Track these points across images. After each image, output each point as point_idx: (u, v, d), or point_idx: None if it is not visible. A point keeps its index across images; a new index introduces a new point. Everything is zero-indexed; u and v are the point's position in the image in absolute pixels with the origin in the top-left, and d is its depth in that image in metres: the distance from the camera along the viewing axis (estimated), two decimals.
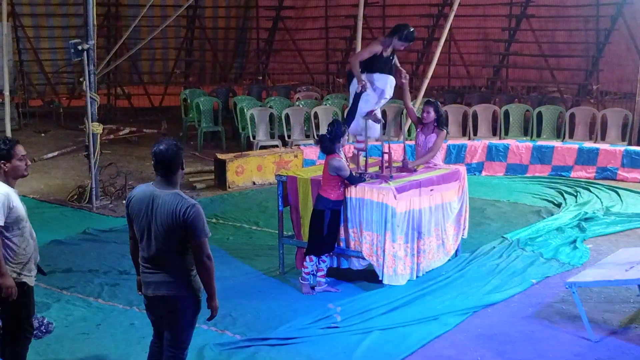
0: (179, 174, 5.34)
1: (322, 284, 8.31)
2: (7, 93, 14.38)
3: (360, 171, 8.70)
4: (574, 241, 9.82)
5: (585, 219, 10.86)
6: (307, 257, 8.26)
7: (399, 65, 9.22)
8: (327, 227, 8.13)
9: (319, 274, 8.30)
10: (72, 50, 11.30)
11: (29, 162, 5.86)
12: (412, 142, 13.90)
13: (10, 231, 5.57)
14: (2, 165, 5.64)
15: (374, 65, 8.93)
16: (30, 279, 5.71)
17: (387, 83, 9.02)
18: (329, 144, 8.15)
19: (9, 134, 14.11)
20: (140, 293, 5.58)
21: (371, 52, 8.90)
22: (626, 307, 7.73)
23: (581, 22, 18.24)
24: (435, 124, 9.30)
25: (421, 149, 9.42)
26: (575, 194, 12.46)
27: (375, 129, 9.17)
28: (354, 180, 8.21)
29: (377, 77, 8.98)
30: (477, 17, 19.31)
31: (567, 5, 18.17)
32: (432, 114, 9.27)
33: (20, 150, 5.70)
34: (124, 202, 5.39)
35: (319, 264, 8.27)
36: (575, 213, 11.16)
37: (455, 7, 14.57)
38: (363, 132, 8.96)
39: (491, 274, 8.77)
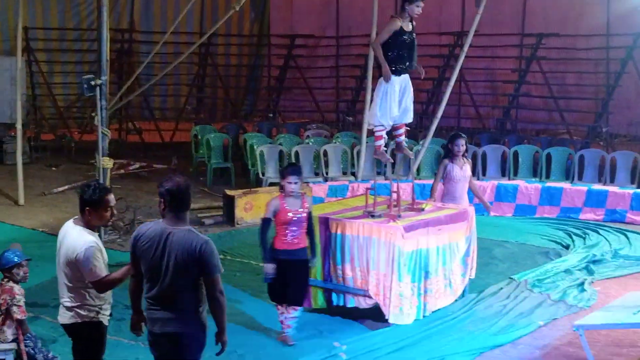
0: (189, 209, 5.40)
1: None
2: (19, 127, 14.50)
3: (369, 209, 8.73)
4: (582, 283, 9.79)
5: (594, 262, 10.83)
6: (292, 309, 7.96)
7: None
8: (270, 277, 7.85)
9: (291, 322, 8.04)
10: (85, 86, 11.37)
11: (115, 212, 5.84)
12: (421, 182, 13.98)
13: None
14: (87, 211, 5.64)
15: (398, 44, 8.62)
16: (105, 318, 5.80)
17: (406, 88, 8.88)
18: (280, 184, 8.01)
19: (20, 167, 14.22)
20: (134, 332, 5.62)
21: (391, 31, 8.59)
22: (634, 350, 7.68)
23: (591, 64, 18.33)
24: (465, 155, 10.11)
25: (458, 181, 10.01)
26: (584, 236, 12.42)
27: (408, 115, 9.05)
28: (264, 251, 7.85)
29: (393, 78, 8.68)
30: (487, 59, 19.43)
31: (577, 48, 18.26)
32: (465, 146, 10.05)
33: (110, 199, 5.69)
34: (131, 237, 5.43)
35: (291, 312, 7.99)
36: (583, 255, 11.13)
37: (466, 48, 14.66)
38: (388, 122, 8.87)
39: (498, 315, 8.74)
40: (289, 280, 7.81)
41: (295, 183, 7.77)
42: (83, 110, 21.10)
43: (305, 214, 7.86)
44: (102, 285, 5.61)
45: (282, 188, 7.91)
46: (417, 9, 8.66)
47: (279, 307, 7.98)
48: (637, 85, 17.11)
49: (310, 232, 8.04)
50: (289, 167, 8.09)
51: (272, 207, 7.79)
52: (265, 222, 7.83)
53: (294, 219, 7.76)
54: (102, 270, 5.60)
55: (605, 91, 17.70)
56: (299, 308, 8.00)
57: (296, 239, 7.82)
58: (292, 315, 7.95)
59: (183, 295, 5.29)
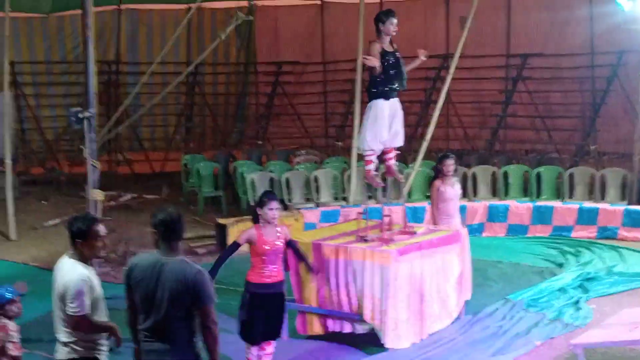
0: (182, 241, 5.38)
1: None
2: (8, 161, 14.47)
3: (361, 234, 8.71)
4: (577, 302, 9.80)
5: (588, 279, 10.84)
6: (266, 344, 7.60)
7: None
8: (244, 314, 7.53)
9: None
10: (73, 119, 11.34)
11: (107, 243, 5.77)
12: (413, 204, 13.99)
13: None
14: (77, 243, 5.59)
15: (384, 66, 8.64)
16: (103, 354, 5.73)
17: (396, 112, 8.89)
18: (252, 213, 7.68)
19: (10, 202, 14.17)
20: None
21: (376, 56, 8.60)
22: None
23: (577, 83, 18.45)
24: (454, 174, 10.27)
25: (451, 199, 10.14)
26: (577, 254, 12.44)
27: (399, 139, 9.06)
28: (215, 266, 7.50)
29: (382, 103, 8.77)
30: (474, 80, 19.52)
31: (562, 67, 18.40)
32: (455, 165, 10.24)
33: (99, 229, 5.62)
34: (125, 268, 5.42)
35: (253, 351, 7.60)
36: (577, 273, 11.14)
37: (452, 70, 14.73)
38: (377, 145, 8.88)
39: (495, 335, 8.72)
40: (267, 314, 7.50)
41: (278, 209, 7.53)
42: (72, 142, 21.05)
43: (282, 244, 7.55)
44: (78, 323, 5.51)
45: (256, 218, 7.54)
46: (392, 26, 8.70)
47: (252, 348, 7.58)
48: (624, 102, 17.21)
49: (299, 256, 7.89)
50: (269, 193, 7.76)
51: (246, 236, 7.45)
52: (235, 245, 7.52)
53: (271, 250, 7.45)
54: (85, 308, 5.50)
55: (592, 109, 17.81)
56: (273, 342, 7.64)
57: (274, 272, 7.51)
58: (267, 351, 7.58)
59: (178, 326, 5.27)
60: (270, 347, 7.61)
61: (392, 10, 8.98)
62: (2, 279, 7.70)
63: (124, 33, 21.92)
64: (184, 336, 5.29)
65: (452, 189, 10.20)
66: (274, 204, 7.49)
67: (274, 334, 7.62)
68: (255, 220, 7.55)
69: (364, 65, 13.06)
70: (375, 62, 8.58)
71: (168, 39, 16.83)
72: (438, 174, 10.28)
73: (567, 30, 18.28)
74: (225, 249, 7.60)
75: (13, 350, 6.52)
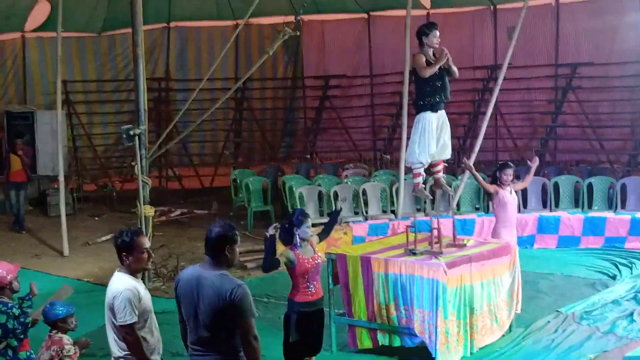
0: (228, 255, 5.32)
1: None
2: (61, 179, 14.74)
3: (410, 247, 8.70)
4: (632, 314, 9.63)
5: None
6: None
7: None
8: (295, 334, 7.43)
9: None
10: (125, 136, 11.52)
11: (152, 255, 5.86)
12: (462, 217, 13.92)
13: (137, 323, 5.63)
14: (124, 257, 5.68)
15: (430, 77, 8.68)
16: None
17: (443, 124, 8.91)
18: (283, 235, 7.54)
19: (64, 219, 14.42)
20: None
21: (422, 64, 8.65)
22: None
23: (628, 92, 18.21)
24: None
25: (511, 204, 10.19)
26: (630, 265, 12.24)
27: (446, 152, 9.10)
28: (265, 264, 7.49)
29: (430, 116, 8.80)
30: (522, 90, 19.39)
31: (612, 75, 18.17)
32: (512, 176, 10.33)
33: (143, 242, 5.71)
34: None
35: None
36: (631, 285, 10.97)
37: (500, 81, 14.65)
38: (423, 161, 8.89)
39: (547, 349, 8.63)
40: (313, 331, 7.54)
41: (311, 226, 7.62)
42: (123, 159, 21.37)
43: (320, 259, 7.60)
44: (127, 332, 5.54)
45: (288, 241, 7.52)
46: (434, 39, 8.80)
47: None
48: None
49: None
50: (302, 211, 7.74)
51: (285, 255, 7.44)
52: (276, 261, 7.42)
53: (312, 267, 7.48)
54: (132, 316, 5.54)
55: None
56: (314, 358, 7.71)
57: (316, 288, 7.58)
58: None
59: (220, 340, 5.26)
60: None
61: (434, 23, 9.08)
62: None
63: (173, 50, 22.22)
64: (228, 350, 5.27)
65: (509, 194, 10.23)
66: (310, 221, 7.57)
67: (317, 350, 7.68)
68: (287, 242, 7.54)
69: (410, 77, 13.14)
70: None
71: (216, 55, 17.00)
72: (495, 181, 10.29)
73: (616, 37, 18.06)
74: (268, 246, 7.42)
75: None
